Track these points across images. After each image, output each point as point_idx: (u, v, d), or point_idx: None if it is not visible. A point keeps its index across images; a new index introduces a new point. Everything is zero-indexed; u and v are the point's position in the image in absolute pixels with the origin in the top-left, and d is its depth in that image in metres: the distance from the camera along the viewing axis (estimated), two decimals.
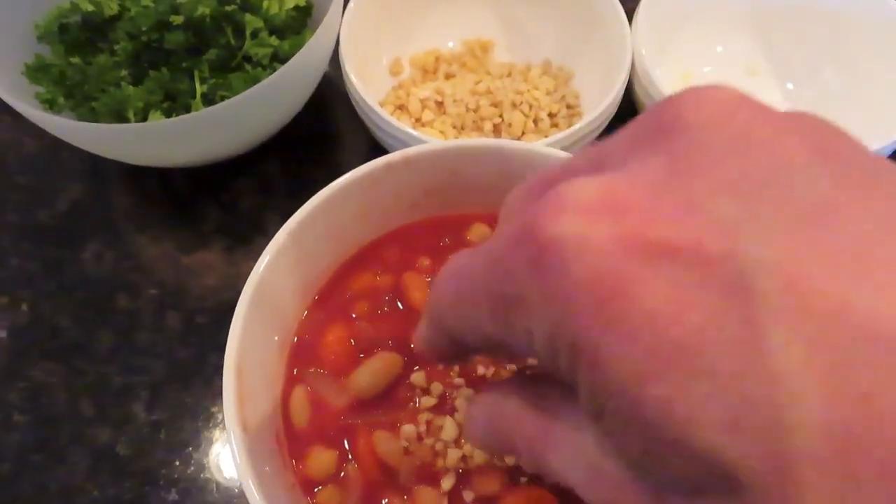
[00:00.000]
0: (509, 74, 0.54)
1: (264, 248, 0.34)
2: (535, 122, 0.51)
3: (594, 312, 0.13)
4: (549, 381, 0.19)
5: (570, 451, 0.17)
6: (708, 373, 0.12)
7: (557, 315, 0.14)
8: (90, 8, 0.48)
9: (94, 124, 0.40)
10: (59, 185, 0.53)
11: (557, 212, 0.14)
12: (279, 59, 0.48)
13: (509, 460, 0.33)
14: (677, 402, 0.13)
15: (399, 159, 0.38)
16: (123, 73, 0.46)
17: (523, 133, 0.51)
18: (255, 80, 0.45)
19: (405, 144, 0.45)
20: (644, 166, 0.15)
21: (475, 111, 0.52)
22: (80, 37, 0.49)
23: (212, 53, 0.47)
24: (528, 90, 0.52)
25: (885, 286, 0.12)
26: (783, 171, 0.14)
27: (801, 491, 0.12)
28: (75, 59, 0.47)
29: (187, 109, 0.46)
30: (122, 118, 0.45)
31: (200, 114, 0.41)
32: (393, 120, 0.45)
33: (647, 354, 0.13)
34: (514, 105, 0.51)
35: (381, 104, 0.52)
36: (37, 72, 0.46)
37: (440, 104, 0.52)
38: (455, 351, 0.21)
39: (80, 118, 0.47)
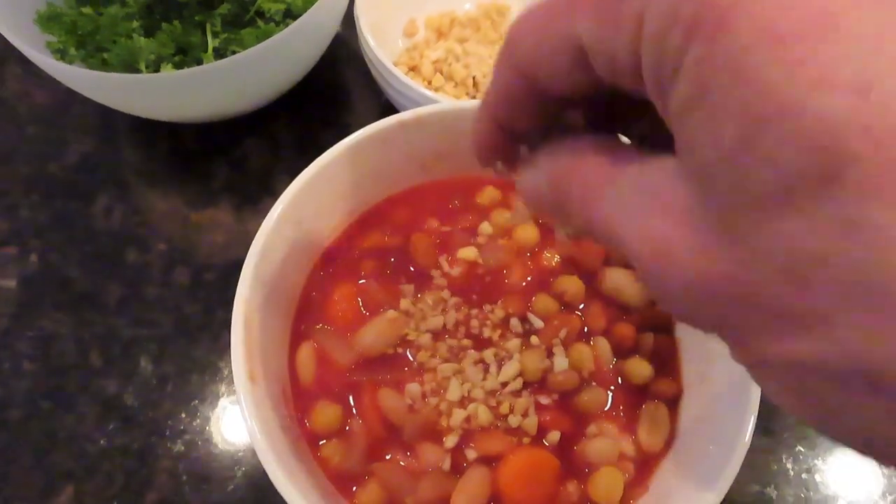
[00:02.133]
0: None
1: (272, 206, 0.34)
2: None
3: None
4: (613, 137, 0.18)
5: (628, 187, 0.16)
6: (850, 36, 0.11)
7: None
8: None
9: (106, 73, 0.40)
10: (70, 138, 0.52)
11: None
12: (292, 15, 0.48)
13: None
14: (809, 62, 0.11)
15: (411, 118, 0.38)
16: (135, 24, 0.46)
17: None
18: (267, 36, 0.44)
19: (418, 105, 0.45)
20: None
21: (484, 79, 0.51)
22: None
23: (224, 8, 0.46)
24: None
25: None
26: None
27: None
28: (87, 10, 0.47)
29: (199, 63, 0.46)
30: (133, 69, 0.45)
31: (211, 66, 0.40)
32: (407, 79, 0.44)
33: (788, 15, 0.12)
34: None
35: (394, 65, 0.52)
36: (48, 20, 0.45)
37: (451, 73, 0.52)
38: (517, 107, 0.19)
39: (91, 69, 0.46)
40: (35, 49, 0.42)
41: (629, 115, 0.20)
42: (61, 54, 0.46)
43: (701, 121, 0.13)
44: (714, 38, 0.12)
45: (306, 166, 0.36)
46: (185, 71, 0.40)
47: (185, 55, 0.46)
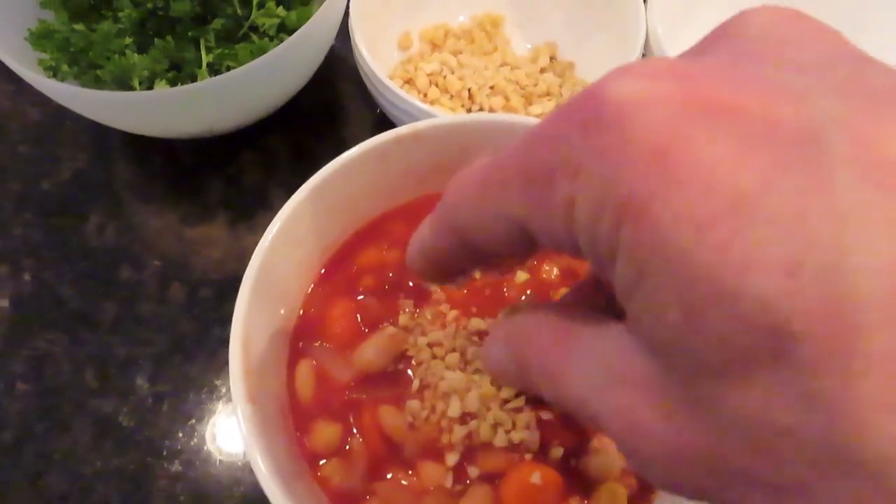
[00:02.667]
0: (516, 67, 0.53)
1: (268, 222, 0.34)
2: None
3: (649, 163, 0.13)
4: (569, 303, 0.19)
5: (589, 359, 0.16)
6: (770, 217, 0.12)
7: (609, 170, 0.13)
8: None
9: (99, 91, 0.39)
10: (63, 154, 0.52)
11: (620, 75, 0.14)
12: (286, 29, 0.47)
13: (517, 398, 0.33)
14: (734, 246, 0.12)
15: (408, 133, 0.38)
16: (128, 40, 0.46)
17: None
18: (262, 51, 0.44)
19: (414, 118, 0.45)
20: (709, 57, 0.15)
21: (476, 96, 0.51)
22: (83, 3, 0.48)
23: (217, 23, 0.46)
24: (534, 84, 0.51)
25: None
26: (848, 57, 0.14)
27: (861, 337, 0.11)
28: (79, 26, 0.46)
29: (193, 79, 0.45)
30: (126, 87, 0.45)
31: (206, 83, 0.40)
32: (402, 92, 0.44)
33: (705, 201, 0.12)
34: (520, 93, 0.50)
35: (389, 78, 0.51)
36: (40, 38, 0.45)
37: (445, 85, 0.52)
38: (456, 257, 0.20)
39: (84, 86, 0.46)
40: (26, 67, 0.42)
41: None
42: (53, 72, 0.46)
43: (645, 303, 0.14)
44: (640, 227, 0.13)
45: (301, 180, 0.36)
46: (180, 88, 0.40)
47: (179, 71, 0.46)
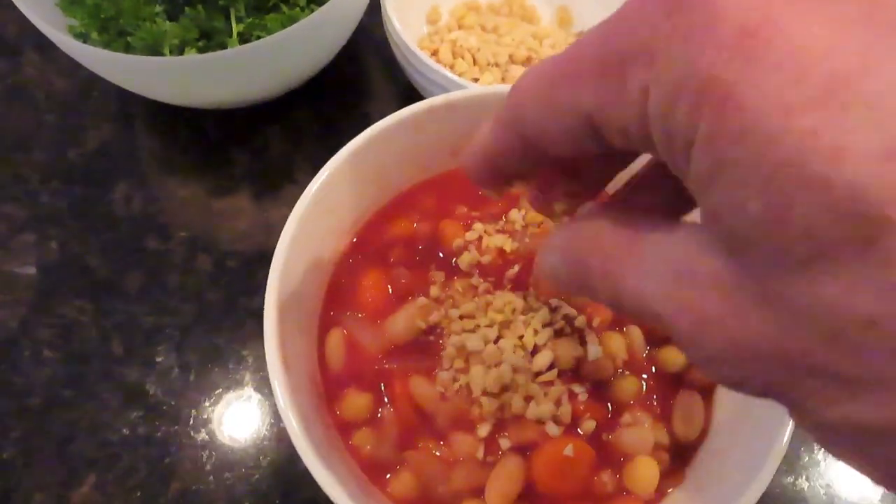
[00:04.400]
0: (545, 40, 0.53)
1: (294, 195, 0.33)
2: None
3: (737, 44, 0.12)
4: (627, 207, 0.18)
5: (653, 259, 0.16)
6: (868, 102, 0.11)
7: (691, 53, 0.13)
8: None
9: (131, 56, 0.39)
10: (89, 124, 0.52)
11: None
12: (317, 0, 0.47)
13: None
14: (828, 131, 0.11)
15: (441, 103, 0.37)
16: (158, 8, 0.45)
17: None
18: (293, 22, 0.44)
19: (443, 89, 0.44)
20: None
21: (506, 70, 0.50)
22: None
23: None
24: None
25: None
26: None
27: None
28: None
29: (223, 48, 0.45)
30: (156, 54, 0.45)
31: (237, 50, 0.40)
32: (433, 62, 0.44)
33: (797, 84, 0.11)
34: None
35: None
36: (71, 4, 0.45)
37: (474, 56, 0.51)
38: (517, 159, 0.19)
39: (115, 50, 0.46)
40: (57, 33, 0.41)
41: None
42: (83, 38, 0.45)
43: (724, 194, 0.13)
44: (723, 112, 0.12)
45: (327, 154, 0.35)
46: (210, 55, 0.39)
47: (210, 40, 0.45)
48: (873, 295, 0.11)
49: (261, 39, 0.40)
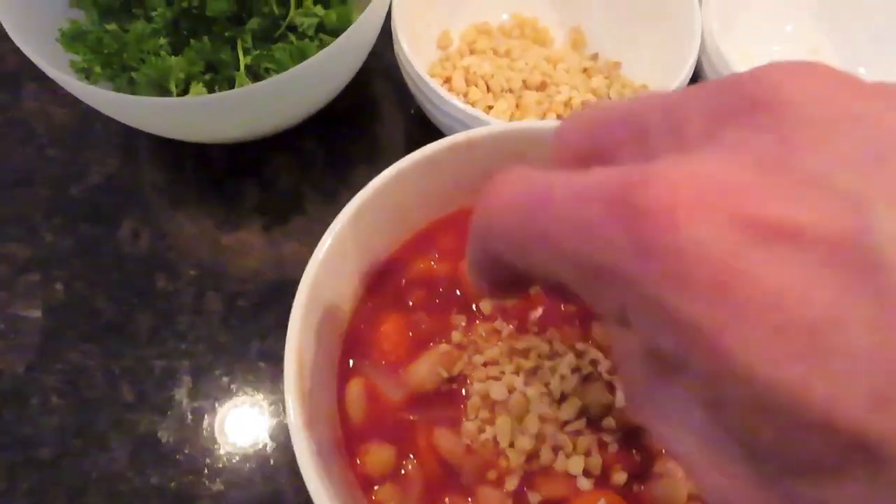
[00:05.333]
0: (559, 64, 0.52)
1: (303, 227, 0.32)
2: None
3: (714, 296, 0.13)
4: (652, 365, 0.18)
5: (679, 423, 0.16)
6: (846, 351, 0.12)
7: (669, 299, 0.13)
8: None
9: (138, 97, 0.38)
10: (92, 158, 0.51)
11: (663, 183, 0.13)
12: (325, 29, 0.46)
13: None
14: (817, 382, 0.12)
15: (462, 141, 0.36)
16: (163, 41, 0.44)
17: None
18: (302, 53, 0.42)
19: (457, 121, 0.43)
20: (747, 144, 0.14)
21: (520, 96, 0.49)
22: (114, 1, 0.46)
23: (254, 23, 0.44)
24: (581, 85, 0.49)
25: None
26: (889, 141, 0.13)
27: None
28: (112, 26, 0.45)
29: (230, 81, 0.44)
30: (162, 89, 0.43)
31: (246, 89, 0.38)
32: (447, 94, 0.42)
33: (779, 336, 0.12)
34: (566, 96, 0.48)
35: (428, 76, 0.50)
36: (72, 39, 0.43)
37: (487, 83, 0.50)
38: (500, 276, 0.19)
39: (118, 89, 0.44)
40: (58, 69, 0.40)
41: None
42: (86, 74, 0.44)
43: (730, 418, 0.14)
44: (713, 357, 0.13)
45: (336, 185, 0.34)
46: (219, 94, 0.38)
47: (216, 73, 0.44)
48: (879, 497, 0.13)
49: (271, 78, 0.39)
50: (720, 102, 0.15)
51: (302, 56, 0.42)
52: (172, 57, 0.43)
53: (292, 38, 0.45)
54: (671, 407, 0.17)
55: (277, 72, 0.42)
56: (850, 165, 0.13)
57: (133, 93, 0.44)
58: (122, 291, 0.45)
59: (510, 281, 0.20)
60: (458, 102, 0.43)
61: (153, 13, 0.44)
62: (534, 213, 0.16)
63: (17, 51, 0.41)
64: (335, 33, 0.45)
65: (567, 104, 0.49)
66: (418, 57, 0.45)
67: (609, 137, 0.17)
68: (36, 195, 0.49)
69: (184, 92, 0.43)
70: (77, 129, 0.52)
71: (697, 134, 0.15)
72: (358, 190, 0.34)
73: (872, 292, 0.12)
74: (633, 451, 0.34)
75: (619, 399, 0.34)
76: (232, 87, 0.43)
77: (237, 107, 0.40)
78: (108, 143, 0.51)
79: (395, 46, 0.45)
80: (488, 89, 0.50)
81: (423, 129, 0.49)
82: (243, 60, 0.43)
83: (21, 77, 0.54)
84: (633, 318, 0.14)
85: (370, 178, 0.34)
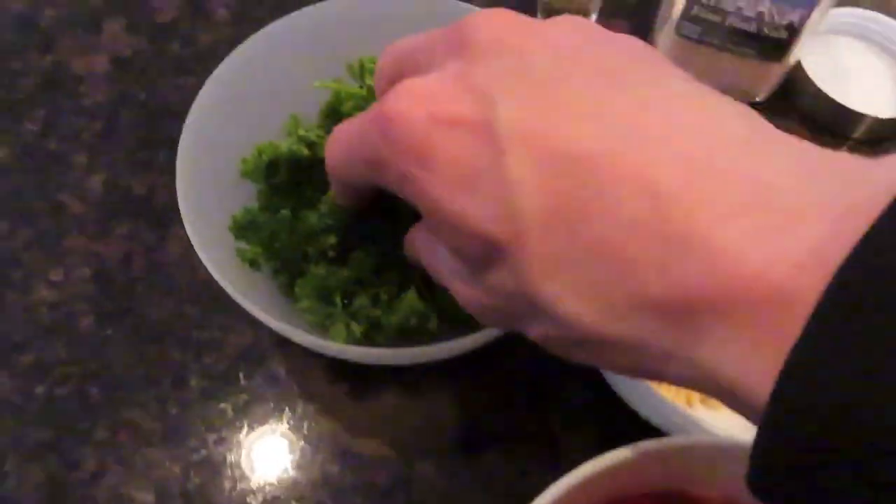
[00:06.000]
0: None
1: None
2: None
3: (416, 161, 0.22)
4: None
5: (441, 260, 0.27)
6: (473, 187, 0.21)
7: (397, 165, 0.23)
8: (305, 153, 0.41)
9: (305, 336, 0.34)
10: (227, 325, 0.47)
11: (398, 99, 0.23)
12: None
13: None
14: (456, 204, 0.21)
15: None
16: (333, 240, 0.40)
17: None
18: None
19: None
20: (450, 66, 0.23)
21: None
22: (287, 179, 0.42)
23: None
24: None
25: (581, 120, 0.20)
26: (527, 61, 0.22)
27: (526, 240, 0.20)
28: (286, 212, 0.40)
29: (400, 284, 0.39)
30: (326, 299, 0.40)
31: (422, 351, 0.34)
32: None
33: (444, 182, 0.22)
34: None
35: None
36: (244, 228, 0.40)
37: None
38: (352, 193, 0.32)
39: (277, 285, 0.41)
40: (218, 253, 0.37)
41: None
42: (251, 264, 0.41)
43: (439, 235, 0.25)
44: (418, 197, 0.23)
45: None
46: (391, 352, 0.34)
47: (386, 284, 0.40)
48: (510, 282, 0.22)
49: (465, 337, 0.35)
50: (449, 40, 0.24)
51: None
52: (342, 270, 0.39)
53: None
54: (427, 245, 0.28)
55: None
56: (496, 78, 0.22)
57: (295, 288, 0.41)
58: None
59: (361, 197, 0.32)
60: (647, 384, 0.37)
61: (323, 207, 0.40)
62: (343, 142, 0.27)
63: (169, 186, 0.38)
64: None
65: None
66: None
67: (404, 63, 0.27)
68: (166, 354, 0.46)
69: (347, 302, 0.40)
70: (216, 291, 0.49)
71: (437, 60, 0.24)
72: None
73: (491, 153, 0.21)
74: None
75: None
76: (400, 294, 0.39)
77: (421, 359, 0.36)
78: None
79: None
80: None
81: None
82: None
83: (171, 218, 0.52)
84: (389, 182, 0.24)
85: None
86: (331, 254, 0.39)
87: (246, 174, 0.42)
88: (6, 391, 0.46)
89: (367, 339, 0.39)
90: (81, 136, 0.55)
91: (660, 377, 0.21)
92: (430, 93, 0.22)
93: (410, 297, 0.39)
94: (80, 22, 0.60)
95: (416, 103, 0.22)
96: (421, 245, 0.29)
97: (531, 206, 0.20)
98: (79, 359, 0.47)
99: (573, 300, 0.20)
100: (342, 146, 0.27)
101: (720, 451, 0.30)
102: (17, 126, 0.55)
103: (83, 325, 0.48)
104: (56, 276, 0.50)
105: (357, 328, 0.39)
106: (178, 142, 0.39)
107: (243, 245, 0.41)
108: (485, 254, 0.22)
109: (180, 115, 0.39)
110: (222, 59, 0.42)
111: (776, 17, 0.48)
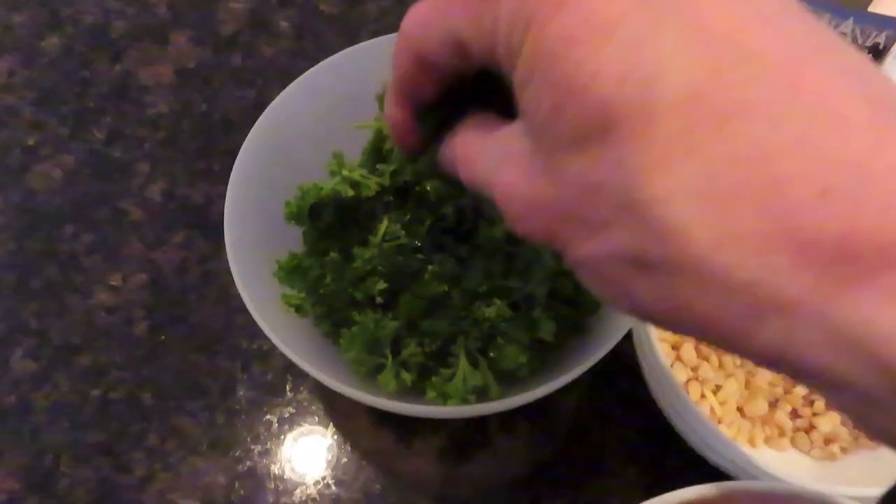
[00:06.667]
0: None
1: None
2: None
3: None
4: (490, 118, 0.24)
5: (491, 147, 0.22)
6: (613, 42, 0.17)
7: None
8: (350, 193, 0.39)
9: (349, 389, 0.34)
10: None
11: None
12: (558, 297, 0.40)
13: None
14: (592, 58, 0.17)
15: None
16: (380, 286, 0.39)
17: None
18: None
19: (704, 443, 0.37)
20: None
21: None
22: (333, 221, 0.41)
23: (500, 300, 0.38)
24: None
25: (764, 21, 0.16)
26: None
27: (656, 124, 0.16)
28: (334, 255, 0.40)
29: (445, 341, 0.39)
30: (375, 350, 0.39)
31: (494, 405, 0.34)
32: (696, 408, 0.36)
33: (580, 26, 0.17)
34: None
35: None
36: (289, 274, 0.40)
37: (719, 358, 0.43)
38: (419, 83, 0.25)
39: (321, 331, 0.41)
40: (265, 298, 0.37)
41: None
42: (297, 310, 0.41)
43: (530, 94, 0.19)
44: (536, 38, 0.18)
45: None
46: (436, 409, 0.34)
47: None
48: (605, 167, 0.17)
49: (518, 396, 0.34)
50: None
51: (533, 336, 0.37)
52: (388, 321, 0.38)
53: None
54: (474, 139, 0.24)
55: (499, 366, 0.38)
56: None
57: (335, 337, 0.40)
58: None
59: (425, 88, 0.25)
60: (707, 421, 0.36)
61: (370, 251, 0.39)
62: None
63: (219, 193, 0.38)
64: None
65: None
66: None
67: None
68: (216, 362, 0.47)
69: (397, 351, 0.39)
70: None
71: None
72: None
73: (650, 14, 0.17)
74: None
75: None
76: (445, 353, 0.38)
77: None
78: None
79: (635, 336, 0.39)
80: (720, 365, 0.44)
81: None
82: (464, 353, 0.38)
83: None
84: (499, 27, 0.19)
85: None
86: (379, 300, 0.38)
87: (290, 217, 0.41)
88: (64, 392, 0.47)
89: (417, 387, 0.38)
90: (145, 145, 0.57)
91: (739, 342, 0.16)
92: None
93: (464, 368, 0.37)
94: (148, 33, 0.62)
95: None
96: (466, 140, 0.24)
97: (677, 80, 0.16)
98: (133, 363, 0.48)
99: (687, 206, 0.16)
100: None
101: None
102: (85, 133, 0.57)
103: (138, 330, 0.49)
104: (115, 281, 0.51)
105: (407, 376, 0.38)
106: (236, 153, 0.40)
107: (288, 290, 0.41)
108: (593, 125, 0.17)
109: (238, 126, 0.40)
110: (283, 71, 0.42)
111: (860, 39, 0.46)
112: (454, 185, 0.30)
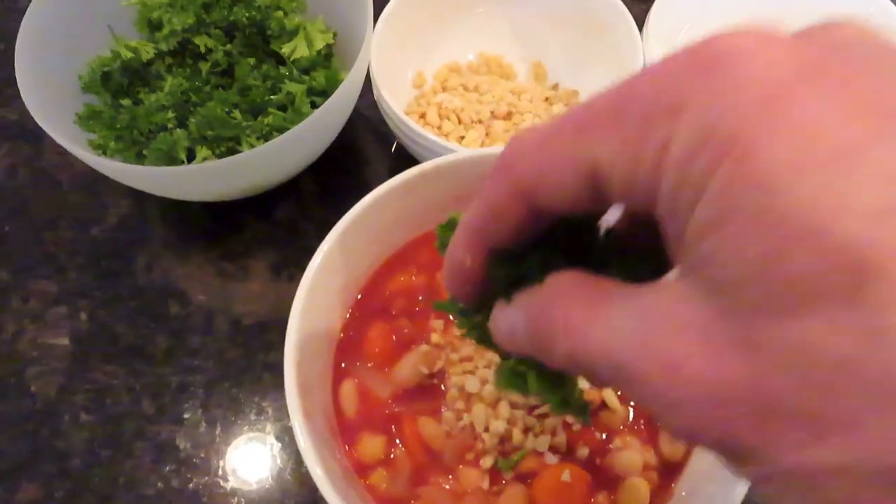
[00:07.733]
0: (523, 95, 0.58)
1: (302, 257, 0.37)
2: None
3: (761, 107, 0.14)
4: (592, 277, 0.19)
5: (622, 312, 0.17)
6: (868, 171, 0.13)
7: (719, 109, 0.14)
8: (129, 55, 0.51)
9: (151, 168, 0.44)
10: (109, 201, 0.56)
11: (739, 31, 0.15)
12: (314, 91, 0.51)
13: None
14: (831, 191, 0.13)
15: (431, 169, 0.41)
16: (170, 114, 0.49)
17: None
18: (299, 115, 0.48)
19: (433, 153, 0.49)
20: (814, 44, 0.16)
21: (489, 125, 0.55)
22: (122, 83, 0.52)
23: (255, 94, 0.50)
24: (543, 113, 0.55)
25: None
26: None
27: None
28: (126, 101, 0.51)
29: (230, 147, 0.49)
30: (171, 159, 0.49)
31: (250, 154, 0.44)
32: (422, 129, 0.48)
33: (808, 149, 0.13)
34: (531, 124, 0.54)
35: (405, 113, 0.56)
36: (88, 119, 0.49)
37: (458, 116, 0.56)
38: (509, 221, 0.19)
39: (128, 161, 0.50)
40: (77, 146, 0.46)
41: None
42: (103, 150, 0.50)
43: (725, 239, 0.14)
44: (741, 164, 0.14)
45: (331, 216, 0.39)
46: (223, 161, 0.44)
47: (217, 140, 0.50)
48: (850, 337, 0.12)
49: (273, 139, 0.44)
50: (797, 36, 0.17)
51: (297, 117, 0.48)
52: (178, 130, 0.48)
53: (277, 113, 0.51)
54: (617, 305, 0.17)
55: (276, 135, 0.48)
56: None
57: (143, 164, 0.50)
58: (139, 318, 0.51)
59: (507, 239, 0.20)
60: (432, 136, 0.48)
61: (162, 91, 0.50)
62: (584, 107, 0.17)
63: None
64: (323, 93, 0.51)
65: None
66: (395, 98, 0.51)
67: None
68: (61, 236, 0.55)
69: (191, 157, 0.49)
70: (95, 177, 0.57)
71: None
72: None
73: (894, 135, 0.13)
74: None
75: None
76: (232, 150, 0.49)
77: (240, 169, 0.45)
78: (123, 187, 0.56)
79: (375, 92, 0.51)
80: (460, 122, 0.56)
81: (404, 162, 0.54)
82: (245, 124, 0.49)
83: (43, 132, 0.60)
84: (676, 144, 0.15)
85: None
86: (170, 126, 0.49)
87: (85, 88, 0.52)
88: None
89: None
90: None
91: None
92: (796, 40, 0.16)
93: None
94: None
95: (769, 38, 0.15)
96: (567, 302, 0.18)
97: None
98: None
99: None
100: (571, 117, 0.18)
101: (482, 160, 0.41)
102: None
103: None
104: None
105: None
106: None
107: (92, 136, 0.50)
108: (836, 276, 0.13)
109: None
110: None
111: None
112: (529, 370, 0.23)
